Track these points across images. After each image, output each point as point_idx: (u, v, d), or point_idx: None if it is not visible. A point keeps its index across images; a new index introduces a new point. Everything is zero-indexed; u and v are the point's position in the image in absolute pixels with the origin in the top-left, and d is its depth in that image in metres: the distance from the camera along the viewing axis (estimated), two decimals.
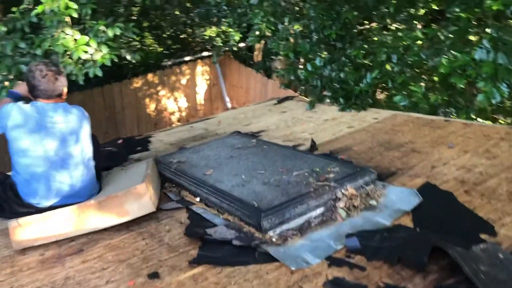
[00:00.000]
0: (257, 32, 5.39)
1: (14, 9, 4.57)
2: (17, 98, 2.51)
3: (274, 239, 2.06)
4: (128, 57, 4.83)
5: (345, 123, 3.94)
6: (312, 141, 3.45)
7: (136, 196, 2.36)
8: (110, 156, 3.81)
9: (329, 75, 4.57)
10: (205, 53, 8.97)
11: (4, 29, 4.53)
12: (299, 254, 1.94)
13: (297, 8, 5.61)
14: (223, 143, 3.39)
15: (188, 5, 9.23)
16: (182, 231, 2.29)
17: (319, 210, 2.24)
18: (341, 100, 4.43)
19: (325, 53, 4.94)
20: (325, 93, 4.75)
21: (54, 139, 2.35)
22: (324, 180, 2.40)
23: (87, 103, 7.70)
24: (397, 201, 2.32)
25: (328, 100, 4.72)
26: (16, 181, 2.40)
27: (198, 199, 2.59)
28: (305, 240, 2.06)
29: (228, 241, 2.09)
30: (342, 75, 4.47)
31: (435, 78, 4.34)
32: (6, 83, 4.28)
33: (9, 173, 2.53)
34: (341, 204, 2.27)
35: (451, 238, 1.92)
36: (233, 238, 2.11)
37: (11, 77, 4.33)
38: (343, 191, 2.32)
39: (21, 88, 2.56)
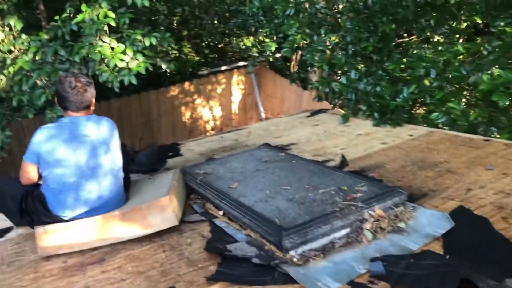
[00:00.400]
0: (292, 43, 5.35)
1: (56, 17, 4.73)
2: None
3: (295, 259, 1.99)
4: (163, 66, 4.89)
5: (378, 139, 3.83)
6: (343, 156, 3.36)
7: (160, 208, 2.35)
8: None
9: (365, 89, 4.46)
10: (241, 63, 9.01)
11: (46, 36, 4.70)
12: (320, 277, 1.86)
13: (333, 20, 5.53)
14: (251, 156, 3.35)
15: (226, 15, 9.32)
16: (203, 245, 2.26)
17: (344, 231, 2.16)
18: (376, 114, 4.31)
19: (361, 66, 4.84)
20: (359, 107, 4.65)
21: (86, 149, 2.36)
22: (351, 200, 2.32)
23: (124, 109, 7.88)
24: (427, 225, 2.21)
25: (362, 114, 4.61)
26: (45, 193, 2.43)
27: (221, 212, 2.56)
28: (328, 262, 1.98)
29: (248, 259, 2.04)
30: (378, 89, 4.35)
31: (476, 95, 4.15)
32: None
33: (39, 183, 2.57)
34: (367, 225, 2.18)
35: (483, 268, 1.79)
36: (253, 256, 2.05)
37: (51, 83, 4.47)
38: (370, 212, 2.23)
39: None
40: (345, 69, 4.83)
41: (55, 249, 2.32)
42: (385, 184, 2.70)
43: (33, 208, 2.43)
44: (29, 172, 2.38)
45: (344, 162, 3.27)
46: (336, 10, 5.62)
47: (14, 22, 4.58)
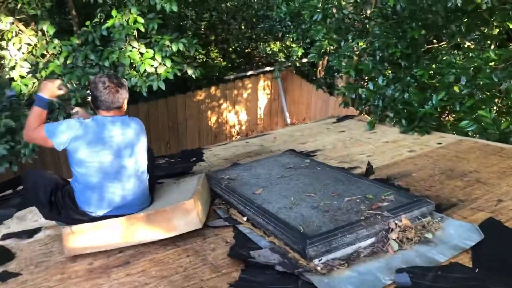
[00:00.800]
0: (319, 49, 5.33)
1: (87, 23, 4.85)
2: (44, 102, 2.54)
3: (319, 268, 1.97)
4: (190, 72, 4.94)
5: (406, 147, 3.76)
6: (369, 164, 3.32)
7: (184, 212, 2.37)
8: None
9: (392, 95, 4.40)
10: (267, 68, 9.03)
11: (77, 41, 4.82)
12: (344, 286, 1.84)
13: (361, 26, 5.48)
14: (276, 162, 3.35)
15: (253, 20, 9.36)
16: (226, 251, 2.26)
17: (369, 241, 2.12)
18: (404, 122, 4.24)
19: (389, 72, 4.78)
20: (386, 113, 4.58)
21: (110, 151, 2.41)
22: (376, 209, 2.28)
23: (152, 113, 7.99)
24: (456, 236, 2.15)
25: (389, 121, 4.54)
26: (74, 189, 2.50)
27: (245, 218, 2.56)
28: (352, 272, 1.95)
29: (271, 266, 2.03)
30: (406, 95, 4.29)
31: (508, 103, 4.04)
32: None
33: (69, 179, 2.63)
34: (393, 235, 2.14)
35: None
36: (276, 263, 2.04)
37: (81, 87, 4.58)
38: (396, 221, 2.19)
39: (45, 91, 2.56)
40: (372, 75, 4.77)
41: (81, 250, 2.36)
42: (412, 193, 2.65)
43: (62, 202, 2.48)
44: (39, 139, 2.44)
45: (370, 170, 3.22)
46: (364, 16, 5.58)
47: (47, 27, 4.72)
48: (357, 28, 5.44)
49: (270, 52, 9.59)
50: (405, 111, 4.29)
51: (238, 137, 8.77)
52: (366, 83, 5.27)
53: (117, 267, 2.23)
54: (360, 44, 5.01)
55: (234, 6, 9.37)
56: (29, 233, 2.80)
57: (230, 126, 9.01)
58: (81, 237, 2.35)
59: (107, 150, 2.39)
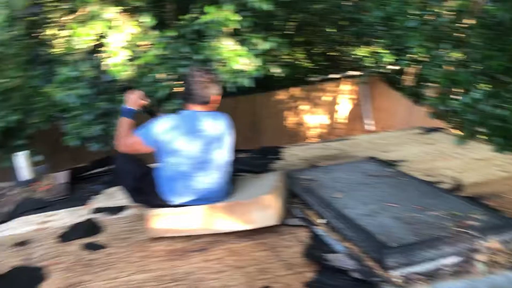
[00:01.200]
0: (410, 56, 5.13)
1: (183, 17, 5.06)
2: (131, 113, 2.68)
3: (397, 280, 1.91)
4: (276, 71, 4.98)
5: (498, 166, 3.52)
6: (457, 180, 3.14)
7: (262, 206, 2.40)
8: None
9: (488, 110, 4.12)
10: (352, 72, 8.86)
11: (172, 34, 5.04)
12: None
13: (457, 35, 5.19)
14: (356, 168, 3.28)
15: (342, 23, 9.21)
16: (301, 251, 2.26)
17: (454, 259, 2.01)
18: (498, 139, 3.96)
19: (486, 85, 4.48)
20: (479, 129, 4.30)
21: (201, 143, 2.50)
22: (463, 227, 2.15)
23: (233, 108, 8.16)
24: None
25: (481, 138, 4.26)
26: (160, 177, 2.62)
27: (322, 220, 2.54)
28: None
29: (346, 271, 2.00)
30: (503, 112, 3.99)
31: None
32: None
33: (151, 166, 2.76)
34: (481, 257, 2.01)
35: None
36: (352, 269, 2.00)
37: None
38: (485, 243, 2.06)
39: (129, 102, 2.70)
40: (467, 87, 4.50)
41: (163, 232, 2.47)
42: (503, 214, 2.47)
43: (148, 189, 2.62)
44: (134, 144, 2.56)
45: (458, 186, 3.05)
46: (462, 25, 5.28)
47: (148, 19, 4.98)
48: (453, 37, 5.16)
49: (357, 56, 9.39)
50: (501, 128, 4.00)
51: (317, 139, 8.71)
52: (458, 95, 4.99)
53: (195, 252, 2.31)
54: (455, 54, 4.75)
55: (323, 8, 9.28)
56: (116, 210, 2.99)
57: (308, 128, 8.97)
58: (163, 220, 2.47)
59: (198, 141, 2.48)
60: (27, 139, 5.84)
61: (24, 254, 2.49)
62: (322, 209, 2.56)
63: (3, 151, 5.76)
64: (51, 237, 2.67)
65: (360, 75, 8.44)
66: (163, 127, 2.48)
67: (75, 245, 2.53)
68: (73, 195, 3.42)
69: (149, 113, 2.78)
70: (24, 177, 3.68)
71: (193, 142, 2.47)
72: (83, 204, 3.16)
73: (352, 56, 9.41)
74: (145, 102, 2.77)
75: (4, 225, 2.97)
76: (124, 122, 2.63)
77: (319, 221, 2.56)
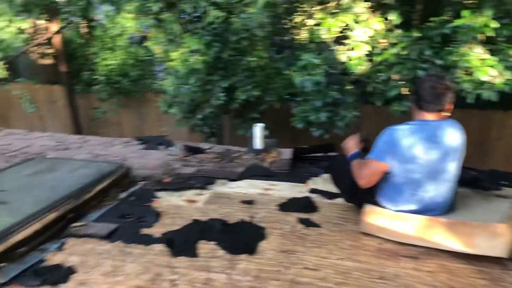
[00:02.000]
0: None
1: (432, 19, 4.85)
2: (358, 155, 2.71)
3: None
4: None
5: None
6: None
7: (492, 234, 2.18)
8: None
9: None
10: None
11: (417, 35, 4.89)
12: None
13: None
14: None
15: None
16: None
17: None
18: None
19: None
20: None
21: (438, 152, 2.40)
22: None
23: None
24: None
25: None
26: (381, 184, 2.57)
27: None
28: None
29: None
30: None
31: None
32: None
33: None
34: None
35: None
36: None
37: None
38: None
39: (351, 148, 2.75)
40: None
41: (376, 230, 2.47)
42: None
43: (361, 194, 2.65)
44: (377, 172, 2.50)
45: None
46: None
47: (394, 17, 4.95)
48: None
49: None
50: None
51: None
52: None
53: (405, 258, 2.26)
54: None
55: None
56: (331, 195, 3.11)
57: None
58: (380, 219, 2.47)
59: (437, 150, 2.39)
60: (261, 114, 6.54)
61: (249, 212, 2.83)
62: None
63: (241, 120, 6.60)
64: (273, 203, 2.96)
65: None
66: (404, 133, 2.42)
67: (292, 217, 2.75)
68: (294, 171, 3.69)
69: (366, 150, 2.79)
70: (256, 146, 4.14)
71: (432, 150, 2.38)
72: (302, 182, 3.39)
73: None
74: (364, 143, 2.82)
75: (235, 183, 3.41)
76: (356, 163, 2.67)
77: None
